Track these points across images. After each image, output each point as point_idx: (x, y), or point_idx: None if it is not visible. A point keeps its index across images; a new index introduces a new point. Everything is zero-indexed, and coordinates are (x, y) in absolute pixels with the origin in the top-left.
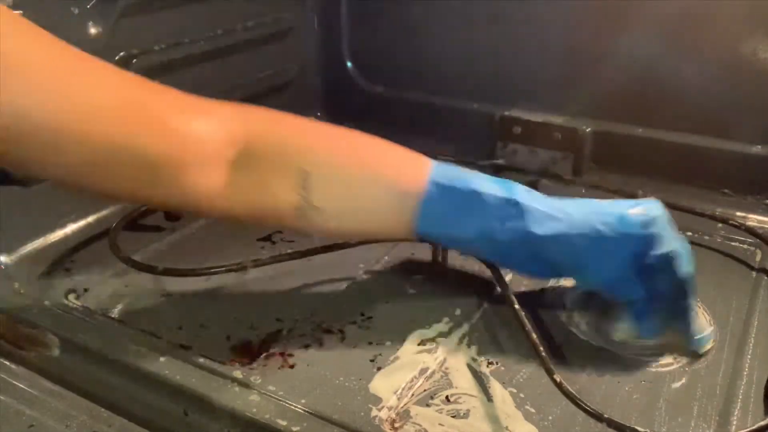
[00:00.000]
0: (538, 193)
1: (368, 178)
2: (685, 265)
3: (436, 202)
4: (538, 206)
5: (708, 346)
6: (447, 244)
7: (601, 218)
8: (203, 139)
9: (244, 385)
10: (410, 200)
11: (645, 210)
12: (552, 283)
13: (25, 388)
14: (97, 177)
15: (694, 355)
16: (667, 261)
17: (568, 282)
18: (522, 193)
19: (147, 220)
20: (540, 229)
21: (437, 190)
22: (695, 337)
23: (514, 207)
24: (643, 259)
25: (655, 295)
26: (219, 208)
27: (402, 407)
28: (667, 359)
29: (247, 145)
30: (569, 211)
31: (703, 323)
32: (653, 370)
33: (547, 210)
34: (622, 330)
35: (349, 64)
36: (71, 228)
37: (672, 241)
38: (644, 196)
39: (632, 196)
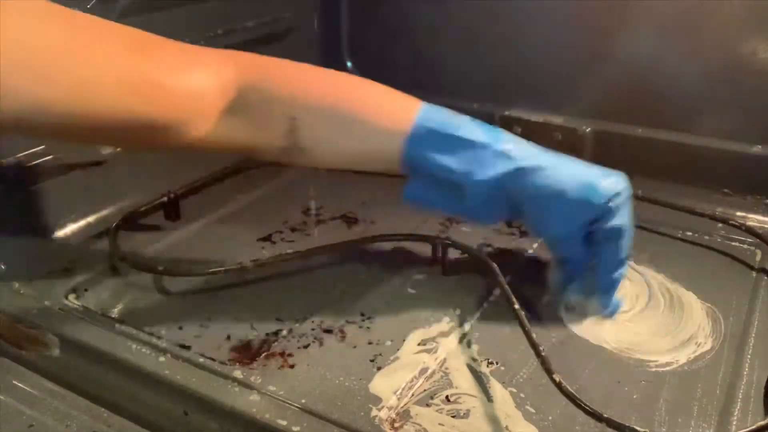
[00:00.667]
0: (522, 141)
1: (355, 119)
2: (628, 242)
3: (419, 146)
4: (518, 154)
5: (618, 312)
6: (428, 177)
7: (570, 178)
8: (196, 94)
9: (244, 385)
10: (396, 141)
11: (613, 183)
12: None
13: (25, 388)
14: (94, 139)
15: (606, 316)
16: (617, 233)
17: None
18: (505, 141)
19: (147, 220)
20: (514, 177)
21: (423, 133)
22: (612, 303)
23: (494, 153)
24: (595, 225)
25: (593, 260)
26: (211, 149)
27: (402, 407)
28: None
29: (238, 93)
30: (546, 163)
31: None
32: (653, 370)
33: (525, 160)
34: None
35: (349, 64)
36: (71, 228)
37: (625, 217)
38: (643, 195)
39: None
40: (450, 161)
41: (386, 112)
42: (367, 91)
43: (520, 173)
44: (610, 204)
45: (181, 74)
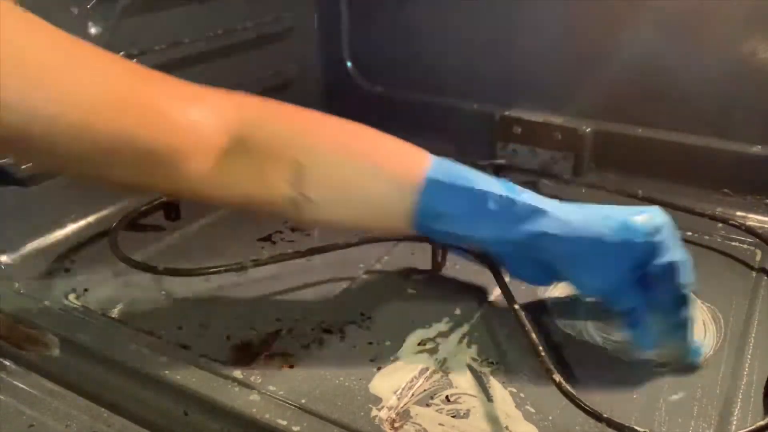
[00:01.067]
0: (537, 194)
1: (364, 171)
2: (687, 276)
3: (433, 198)
4: (538, 206)
5: (703, 357)
6: (444, 240)
7: (603, 222)
8: (197, 127)
9: (244, 385)
10: (407, 196)
11: (650, 217)
12: (546, 291)
13: (25, 388)
14: (95, 166)
15: (691, 368)
16: (670, 270)
17: (559, 290)
18: (521, 193)
19: (147, 220)
20: (537, 229)
21: (435, 187)
22: (692, 348)
23: (513, 207)
24: (643, 267)
25: (654, 306)
26: (213, 194)
27: (402, 407)
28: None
29: (241, 133)
30: (570, 213)
31: (700, 333)
32: (653, 370)
33: (547, 210)
34: (619, 340)
35: (349, 64)
36: (71, 228)
37: (675, 251)
38: (643, 195)
39: (632, 195)
40: (464, 223)
41: (396, 164)
42: (378, 141)
43: (543, 234)
44: (652, 239)
45: (182, 106)
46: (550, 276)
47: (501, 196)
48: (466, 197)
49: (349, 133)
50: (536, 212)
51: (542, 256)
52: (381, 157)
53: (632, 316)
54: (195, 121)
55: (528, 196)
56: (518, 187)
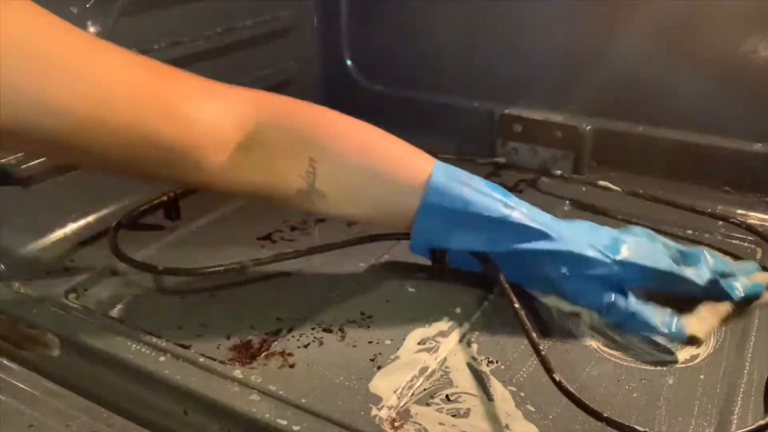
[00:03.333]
0: (534, 209)
1: (372, 172)
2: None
3: (432, 211)
4: (531, 225)
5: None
6: (442, 246)
7: (592, 242)
8: (213, 122)
9: (244, 384)
10: (410, 202)
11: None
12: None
13: (25, 388)
14: (112, 159)
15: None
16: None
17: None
18: (515, 209)
19: (147, 220)
20: (528, 247)
21: (433, 201)
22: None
23: (506, 225)
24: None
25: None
26: (228, 186)
27: (402, 406)
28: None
29: (257, 129)
30: (562, 230)
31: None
32: (653, 369)
33: (538, 229)
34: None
35: (349, 62)
36: (71, 228)
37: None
38: (644, 194)
39: (633, 194)
40: (459, 235)
41: (407, 168)
42: (388, 143)
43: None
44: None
45: (196, 101)
46: (541, 285)
47: (494, 217)
48: (461, 216)
49: (361, 134)
50: (527, 231)
51: (533, 271)
52: (388, 163)
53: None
54: (210, 117)
55: (520, 215)
56: (514, 201)
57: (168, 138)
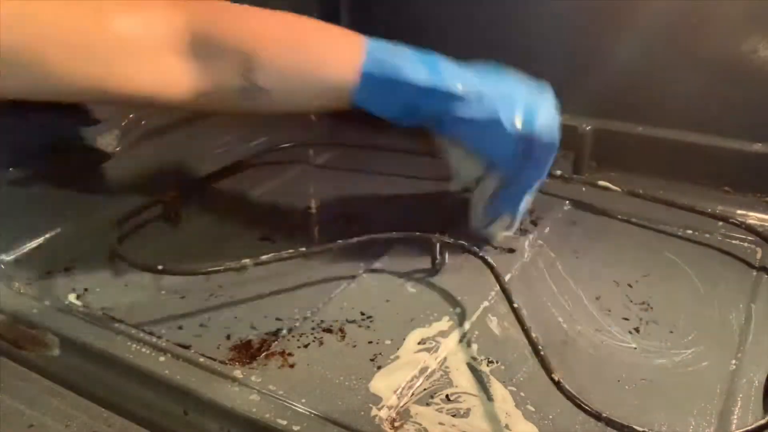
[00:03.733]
0: (461, 71)
1: (307, 61)
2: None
3: (367, 86)
4: (456, 91)
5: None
6: (380, 115)
7: (510, 112)
8: (142, 35)
9: (244, 385)
10: (346, 83)
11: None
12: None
13: (25, 388)
14: (49, 93)
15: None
16: (546, 154)
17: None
18: (445, 77)
19: (147, 219)
20: (453, 113)
21: (368, 77)
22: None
23: (436, 92)
24: (530, 145)
25: (521, 177)
26: (172, 98)
27: (402, 406)
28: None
29: (192, 36)
30: (485, 93)
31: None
32: (653, 369)
33: (462, 97)
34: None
35: None
36: (71, 228)
37: (555, 140)
38: (644, 193)
39: (633, 194)
40: (394, 103)
41: (338, 49)
42: (315, 32)
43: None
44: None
45: (126, 17)
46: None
47: (425, 86)
48: (395, 88)
49: (294, 25)
50: (454, 98)
51: (452, 129)
52: (321, 49)
53: (506, 181)
54: (142, 31)
55: (448, 81)
56: (442, 65)
57: (102, 63)
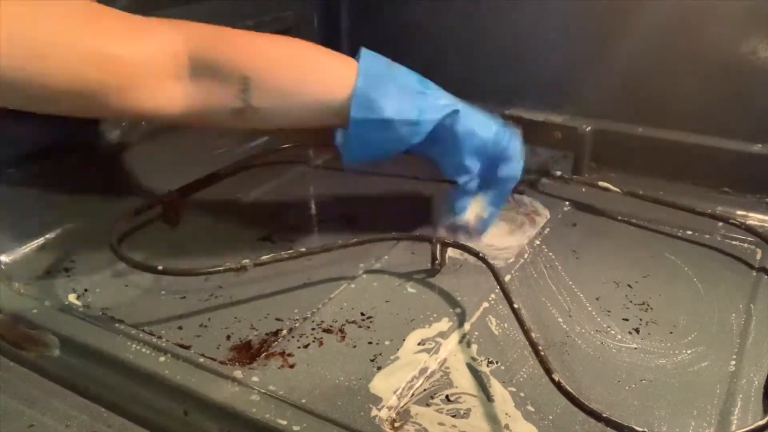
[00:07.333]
0: (443, 100)
1: (301, 84)
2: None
3: (356, 121)
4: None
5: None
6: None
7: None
8: (143, 61)
9: (244, 385)
10: (337, 109)
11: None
12: None
13: (25, 388)
14: (42, 103)
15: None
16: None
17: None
18: (426, 112)
19: (147, 220)
20: (429, 151)
21: (356, 114)
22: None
23: (416, 126)
24: (494, 161)
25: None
26: (167, 117)
27: (402, 407)
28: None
29: (189, 60)
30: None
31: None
32: (653, 369)
33: (438, 130)
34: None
35: None
36: (71, 228)
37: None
38: (644, 194)
39: (633, 194)
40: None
41: (331, 71)
42: (310, 57)
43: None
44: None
45: (123, 41)
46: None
47: (409, 126)
48: (382, 125)
49: (288, 48)
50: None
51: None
52: (314, 74)
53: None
54: (139, 56)
55: (429, 116)
56: (430, 95)
57: (96, 83)
